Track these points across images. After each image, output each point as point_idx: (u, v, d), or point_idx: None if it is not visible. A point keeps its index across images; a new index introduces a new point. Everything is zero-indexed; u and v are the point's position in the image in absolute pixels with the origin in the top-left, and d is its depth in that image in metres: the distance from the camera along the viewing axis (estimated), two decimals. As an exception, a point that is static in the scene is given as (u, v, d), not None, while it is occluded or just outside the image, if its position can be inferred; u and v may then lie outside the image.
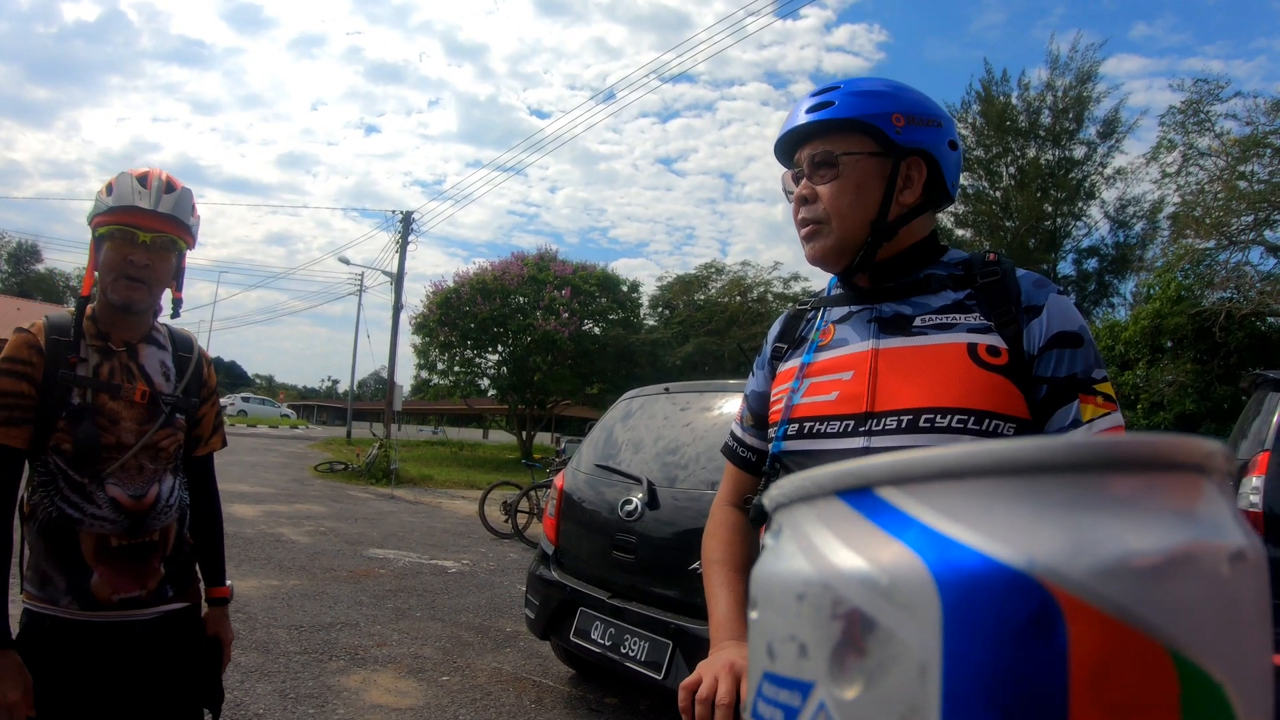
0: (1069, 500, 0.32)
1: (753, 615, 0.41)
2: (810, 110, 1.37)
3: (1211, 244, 18.86)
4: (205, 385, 2.16)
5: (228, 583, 2.25)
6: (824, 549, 0.36)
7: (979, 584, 0.31)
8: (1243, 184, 18.01)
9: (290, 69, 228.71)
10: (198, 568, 2.19)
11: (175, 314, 2.13)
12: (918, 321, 1.34)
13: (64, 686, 1.88)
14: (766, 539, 0.41)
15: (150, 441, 1.97)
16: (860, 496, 0.36)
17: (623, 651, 4.04)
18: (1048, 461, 0.33)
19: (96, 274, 1.99)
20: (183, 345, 2.14)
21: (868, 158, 1.35)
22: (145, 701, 1.99)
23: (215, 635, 2.18)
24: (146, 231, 1.94)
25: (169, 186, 1.99)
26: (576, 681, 5.24)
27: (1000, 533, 0.32)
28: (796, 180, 1.43)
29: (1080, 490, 0.32)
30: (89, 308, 2.00)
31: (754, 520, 1.45)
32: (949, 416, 1.24)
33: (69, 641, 1.90)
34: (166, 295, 2.10)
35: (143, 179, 1.98)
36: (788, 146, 1.45)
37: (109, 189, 1.97)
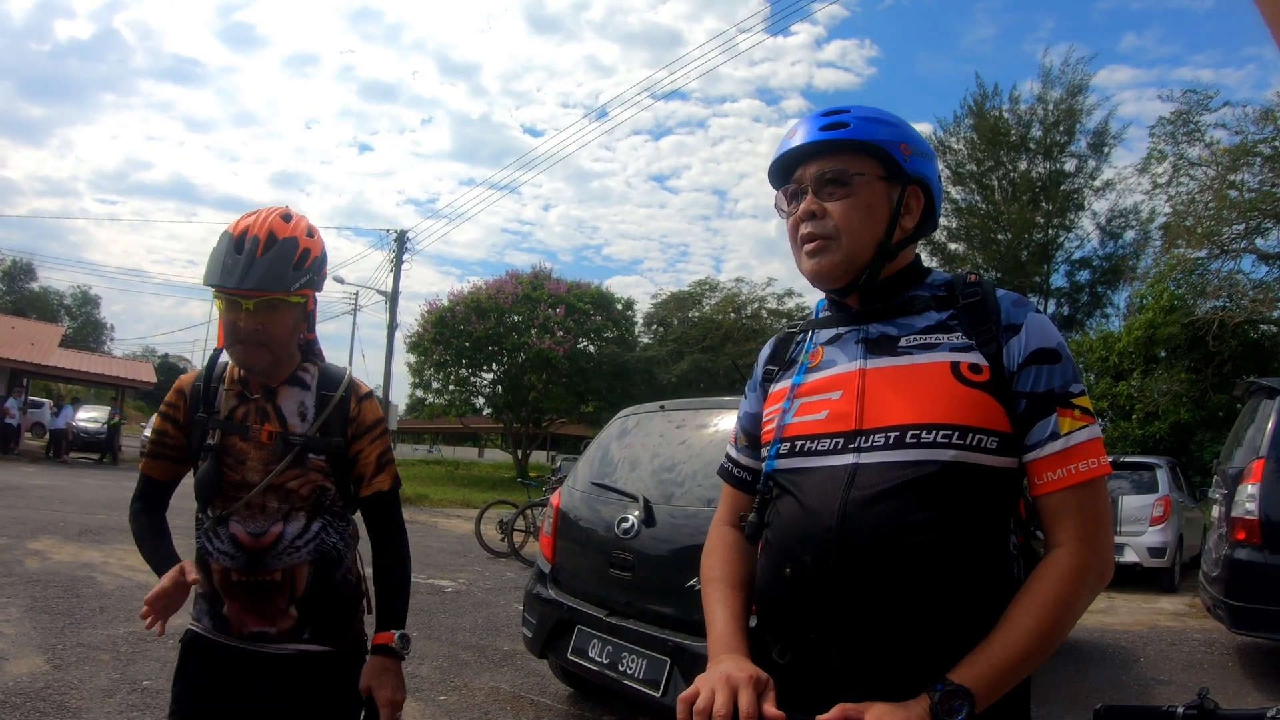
0: None
1: None
2: (825, 129, 1.41)
3: (1203, 253, 18.94)
4: (354, 422, 2.03)
5: (398, 632, 2.06)
6: None
7: None
8: (1233, 193, 18.08)
9: (284, 87, 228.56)
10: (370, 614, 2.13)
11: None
12: (903, 342, 1.40)
13: (202, 696, 1.97)
14: None
15: (276, 481, 1.94)
16: None
17: (620, 669, 4.03)
18: None
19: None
20: (329, 384, 2.04)
21: (878, 180, 1.40)
22: None
23: (367, 688, 1.96)
24: (248, 298, 1.85)
25: (267, 245, 1.86)
26: (574, 700, 5.22)
27: None
28: (790, 199, 1.47)
29: None
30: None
31: (750, 537, 1.51)
32: (934, 432, 1.29)
33: (208, 659, 1.99)
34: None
35: (239, 243, 1.86)
36: (788, 164, 1.47)
37: (216, 248, 1.90)
